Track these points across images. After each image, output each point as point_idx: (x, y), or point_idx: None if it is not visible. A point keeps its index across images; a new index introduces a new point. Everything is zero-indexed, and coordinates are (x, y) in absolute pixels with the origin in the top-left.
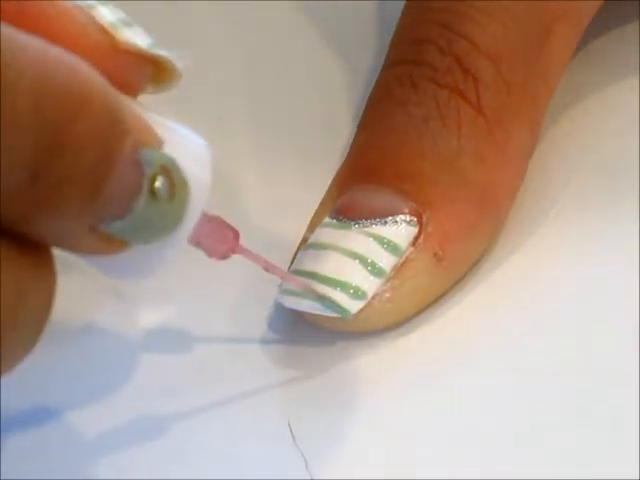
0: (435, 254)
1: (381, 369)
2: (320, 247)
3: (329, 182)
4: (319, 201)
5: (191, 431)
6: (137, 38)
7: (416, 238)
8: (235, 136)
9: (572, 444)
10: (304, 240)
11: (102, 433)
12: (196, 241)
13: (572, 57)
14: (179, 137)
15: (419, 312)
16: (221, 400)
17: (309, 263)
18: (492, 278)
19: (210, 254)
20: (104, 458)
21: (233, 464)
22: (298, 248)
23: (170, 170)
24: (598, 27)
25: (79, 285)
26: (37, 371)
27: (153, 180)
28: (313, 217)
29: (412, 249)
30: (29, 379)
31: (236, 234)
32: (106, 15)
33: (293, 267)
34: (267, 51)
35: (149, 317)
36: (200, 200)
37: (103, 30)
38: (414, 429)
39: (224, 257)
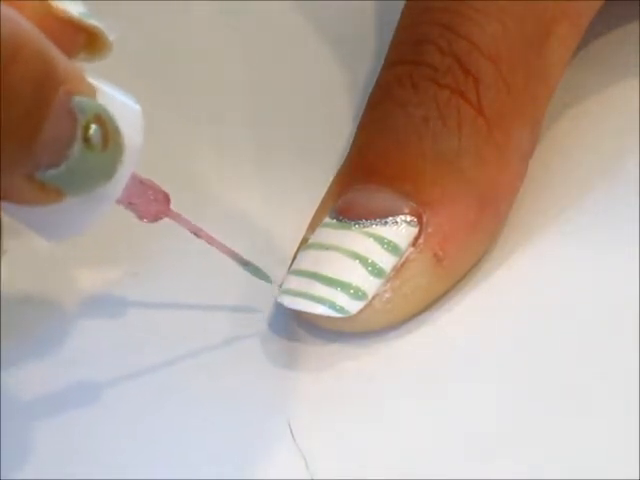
0: (435, 254)
1: (381, 369)
2: (320, 247)
3: (329, 182)
4: (319, 201)
5: (190, 431)
6: (71, 6)
7: (416, 238)
8: (235, 136)
9: (572, 444)
10: (304, 240)
11: (100, 436)
12: (127, 201)
13: (572, 57)
14: (112, 99)
15: (419, 312)
16: (221, 400)
17: (309, 263)
18: (492, 278)
19: (141, 216)
20: (97, 456)
21: (233, 464)
22: (298, 248)
23: (104, 119)
24: (598, 27)
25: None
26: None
27: (87, 128)
28: (313, 217)
29: (412, 249)
30: None
31: (166, 197)
32: None
33: (293, 267)
34: (267, 51)
35: (148, 317)
36: (131, 159)
37: None
38: (414, 429)
39: (155, 219)
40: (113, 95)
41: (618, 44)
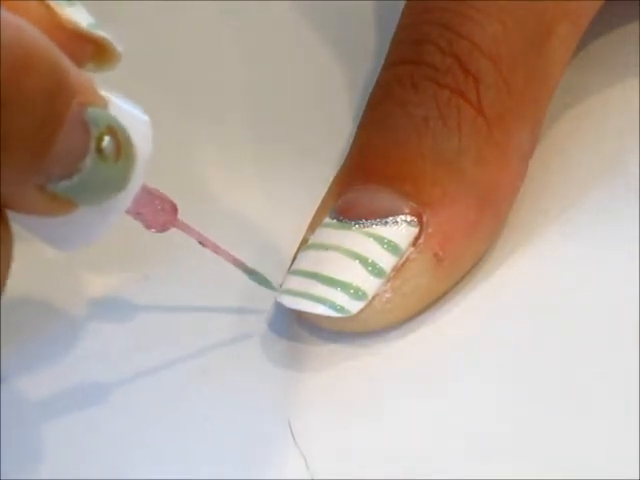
0: (435, 254)
1: (381, 369)
2: (321, 247)
3: (329, 182)
4: (319, 201)
5: (190, 431)
6: (79, 16)
7: (416, 238)
8: (235, 136)
9: (572, 444)
10: (304, 240)
11: (103, 436)
12: (135, 211)
13: (572, 57)
14: (122, 110)
15: (419, 312)
16: (221, 400)
17: (309, 263)
18: (492, 278)
19: (149, 225)
20: (99, 457)
21: (233, 464)
22: (298, 248)
23: (116, 131)
24: (598, 27)
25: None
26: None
27: (100, 140)
28: (313, 217)
29: (412, 249)
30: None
31: (174, 206)
32: None
33: (293, 267)
34: (267, 51)
35: (148, 316)
36: (141, 170)
37: (46, 5)
38: (414, 429)
39: (163, 229)
40: (123, 106)
41: (618, 44)
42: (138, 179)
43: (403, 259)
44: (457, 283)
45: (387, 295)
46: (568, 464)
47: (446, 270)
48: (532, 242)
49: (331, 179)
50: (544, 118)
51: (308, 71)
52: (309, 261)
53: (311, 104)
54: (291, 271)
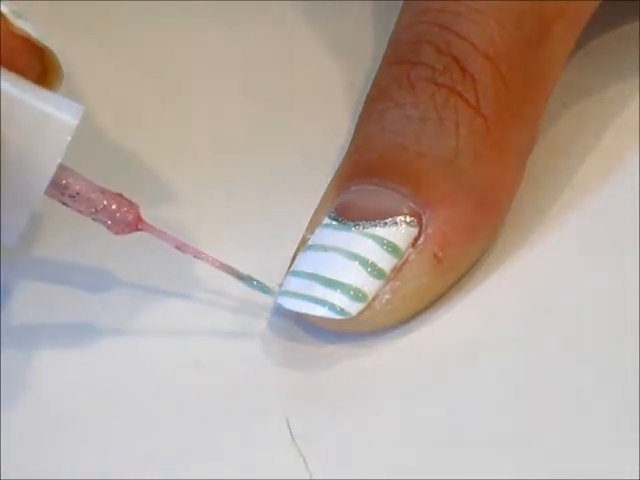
0: (435, 255)
1: (381, 369)
2: (320, 249)
3: (328, 182)
4: (318, 201)
5: (189, 431)
6: (29, 28)
7: (416, 239)
8: (234, 136)
9: (572, 444)
10: (304, 240)
11: (99, 436)
12: (93, 216)
13: (571, 56)
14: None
15: (419, 313)
16: (220, 400)
17: (309, 265)
18: (492, 278)
19: (111, 229)
20: (95, 457)
21: (232, 464)
22: (298, 248)
23: None
24: (598, 27)
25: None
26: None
27: None
28: (312, 217)
29: (412, 250)
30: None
31: (136, 209)
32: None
33: (293, 268)
34: (266, 51)
35: (148, 316)
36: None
37: None
38: (414, 429)
39: (127, 231)
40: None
41: (617, 43)
42: (49, 163)
43: (403, 260)
44: (456, 283)
45: (387, 296)
46: (568, 464)
47: (445, 270)
48: (531, 242)
49: (330, 179)
50: (543, 117)
51: (306, 71)
52: (309, 262)
53: (309, 104)
54: (290, 272)
